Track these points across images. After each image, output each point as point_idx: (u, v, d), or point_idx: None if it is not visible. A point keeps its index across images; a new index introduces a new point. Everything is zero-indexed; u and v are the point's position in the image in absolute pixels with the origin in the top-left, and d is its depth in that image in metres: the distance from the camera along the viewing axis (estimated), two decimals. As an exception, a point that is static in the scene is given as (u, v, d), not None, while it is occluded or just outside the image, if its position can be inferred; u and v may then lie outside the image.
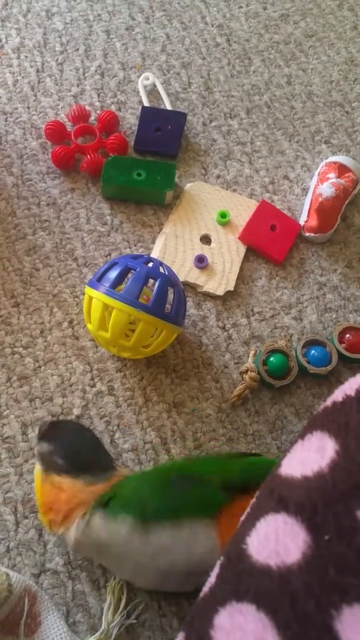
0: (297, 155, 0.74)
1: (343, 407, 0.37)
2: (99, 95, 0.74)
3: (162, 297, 0.53)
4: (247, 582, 0.31)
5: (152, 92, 0.75)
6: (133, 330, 0.54)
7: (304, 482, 0.33)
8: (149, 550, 0.43)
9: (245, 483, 0.46)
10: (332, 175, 0.68)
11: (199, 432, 0.59)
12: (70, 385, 0.60)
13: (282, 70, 0.79)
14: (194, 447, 0.58)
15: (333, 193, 0.65)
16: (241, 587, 0.31)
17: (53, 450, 0.48)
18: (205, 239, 0.68)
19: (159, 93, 0.75)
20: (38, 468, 0.49)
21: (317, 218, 0.67)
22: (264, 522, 0.33)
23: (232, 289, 0.65)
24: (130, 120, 0.73)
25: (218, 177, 0.72)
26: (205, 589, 0.35)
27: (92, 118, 0.72)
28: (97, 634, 0.48)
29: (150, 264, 0.55)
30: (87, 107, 0.72)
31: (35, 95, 0.73)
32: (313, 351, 0.62)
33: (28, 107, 0.72)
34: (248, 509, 0.36)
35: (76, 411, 0.58)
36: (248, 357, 0.63)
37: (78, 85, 0.74)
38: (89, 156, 0.68)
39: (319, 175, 0.70)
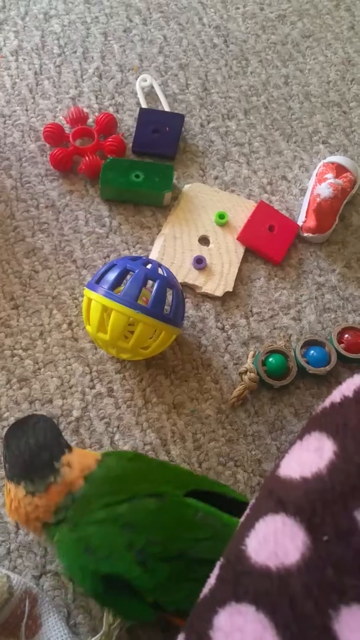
0: (295, 155, 0.74)
1: (341, 408, 0.37)
2: (96, 98, 0.74)
3: (161, 298, 0.53)
4: (246, 583, 0.31)
5: (149, 93, 0.75)
6: (132, 332, 0.54)
7: (303, 483, 0.33)
8: None
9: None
10: (330, 175, 0.68)
11: (199, 433, 0.59)
12: (70, 387, 0.60)
13: (280, 71, 0.79)
14: (193, 448, 0.59)
15: (331, 193, 0.66)
16: (240, 588, 0.31)
17: (4, 454, 0.47)
18: (204, 240, 0.68)
19: (156, 95, 0.75)
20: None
21: (315, 218, 0.67)
22: (262, 523, 0.33)
23: (230, 289, 0.65)
24: (128, 122, 0.73)
25: (216, 178, 0.72)
26: (205, 590, 0.35)
27: (90, 120, 0.72)
28: (98, 635, 0.48)
29: (149, 266, 0.55)
30: (85, 109, 0.72)
31: (34, 98, 0.73)
32: (312, 351, 0.62)
33: (26, 110, 0.72)
34: (247, 510, 0.36)
35: (76, 413, 0.59)
36: (247, 357, 0.63)
37: (76, 88, 0.74)
38: (87, 158, 0.68)
39: (316, 175, 0.70)
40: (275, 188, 0.72)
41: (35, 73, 0.75)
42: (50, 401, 0.59)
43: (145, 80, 0.75)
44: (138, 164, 0.68)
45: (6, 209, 0.67)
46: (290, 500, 0.33)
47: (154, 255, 0.66)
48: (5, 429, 0.51)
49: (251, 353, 0.62)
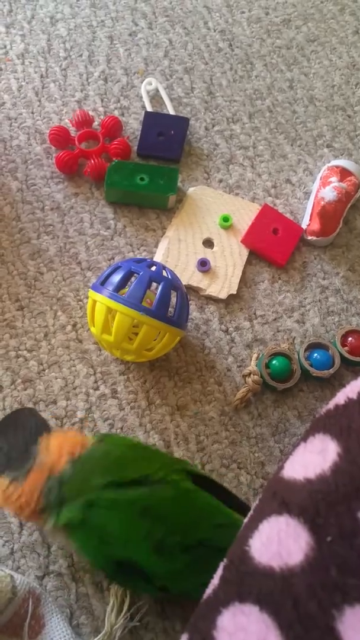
0: (300, 159, 0.74)
1: (345, 409, 0.37)
2: (102, 101, 0.75)
3: (165, 300, 0.54)
4: (250, 583, 0.31)
5: (155, 97, 0.76)
6: (136, 334, 0.54)
7: (307, 484, 0.34)
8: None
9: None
10: (334, 179, 0.69)
11: (202, 435, 0.59)
12: (74, 388, 0.60)
13: (284, 75, 0.80)
14: (196, 450, 0.59)
15: (335, 197, 0.66)
16: (244, 589, 0.31)
17: None
18: (208, 243, 0.68)
19: (161, 98, 0.75)
20: None
21: (320, 222, 0.67)
22: (266, 524, 0.33)
23: (234, 292, 0.65)
24: (133, 125, 0.74)
25: (220, 181, 0.72)
26: (209, 590, 0.35)
27: (96, 123, 0.73)
28: (100, 635, 0.48)
29: (154, 268, 0.55)
30: (91, 113, 0.72)
31: (40, 101, 0.74)
32: (316, 354, 0.62)
33: (32, 113, 0.73)
34: (251, 511, 0.36)
35: (80, 414, 0.59)
36: (251, 360, 0.63)
37: (82, 91, 0.75)
38: (92, 161, 0.68)
39: (321, 179, 0.70)
40: (280, 191, 0.72)
41: (42, 76, 0.75)
42: (55, 402, 0.59)
43: (151, 84, 0.75)
44: (143, 166, 0.68)
45: (12, 211, 0.67)
46: (294, 501, 0.33)
47: (158, 257, 0.66)
48: None
49: (255, 355, 0.62)
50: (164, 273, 0.56)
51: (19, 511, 0.45)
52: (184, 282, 0.64)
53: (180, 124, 0.72)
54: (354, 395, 0.38)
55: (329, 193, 0.66)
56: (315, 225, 0.67)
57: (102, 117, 0.73)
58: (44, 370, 0.60)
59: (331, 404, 0.39)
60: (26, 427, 0.47)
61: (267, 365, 0.61)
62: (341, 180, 0.69)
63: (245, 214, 0.69)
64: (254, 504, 0.37)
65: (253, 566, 0.32)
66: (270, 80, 0.79)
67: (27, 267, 0.65)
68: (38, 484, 0.44)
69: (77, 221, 0.68)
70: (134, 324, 0.53)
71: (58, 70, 0.76)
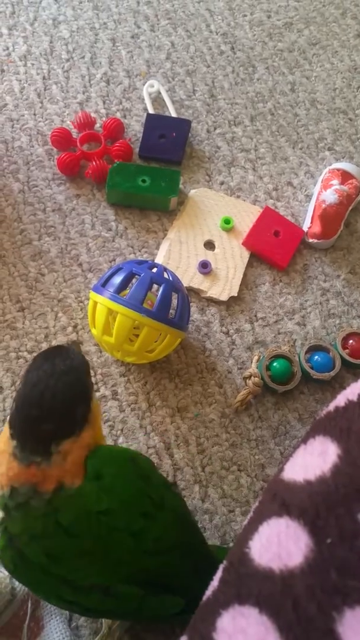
0: (301, 162, 0.74)
1: (345, 412, 0.37)
2: (104, 103, 0.75)
3: (166, 302, 0.54)
4: (250, 585, 0.31)
5: (157, 99, 0.76)
6: (137, 335, 0.54)
7: (307, 486, 0.34)
8: None
9: None
10: (335, 182, 0.69)
11: (202, 437, 0.59)
12: (75, 390, 0.60)
13: (286, 78, 0.80)
14: (197, 452, 0.59)
15: (336, 200, 0.66)
16: (244, 590, 0.31)
17: (18, 388, 0.38)
18: (209, 245, 0.68)
19: (163, 100, 0.75)
20: None
21: (321, 224, 0.67)
22: (266, 526, 0.33)
23: (235, 294, 0.65)
24: (135, 128, 0.74)
25: (222, 183, 0.72)
26: (208, 592, 0.35)
27: (98, 125, 0.73)
28: (98, 636, 0.48)
29: (155, 270, 0.56)
30: (93, 114, 0.72)
31: (42, 103, 0.74)
32: (316, 357, 0.62)
33: (34, 114, 0.73)
34: (251, 513, 0.36)
35: (80, 415, 0.59)
36: (251, 362, 0.63)
37: (84, 93, 0.75)
38: (94, 163, 0.68)
39: (322, 182, 0.71)
40: (281, 194, 0.72)
41: (44, 78, 0.75)
42: (55, 403, 0.59)
43: (153, 86, 0.75)
44: (145, 168, 0.68)
45: (13, 212, 0.67)
46: (294, 503, 0.33)
47: (159, 259, 0.66)
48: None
49: (255, 358, 0.62)
50: (165, 275, 0.56)
51: None
52: (184, 284, 0.64)
53: (182, 126, 0.73)
54: (354, 398, 0.38)
55: (330, 196, 0.66)
56: (317, 228, 0.68)
57: (104, 119, 0.73)
58: (44, 371, 0.60)
59: (331, 406, 0.39)
60: (62, 407, 0.37)
61: (268, 368, 0.61)
62: (342, 183, 0.69)
63: (246, 216, 0.69)
64: (254, 506, 0.37)
65: (253, 568, 0.32)
66: (272, 83, 0.79)
67: (28, 269, 0.65)
68: (20, 480, 0.37)
69: (78, 223, 0.68)
70: (135, 325, 0.53)
71: (60, 72, 0.76)
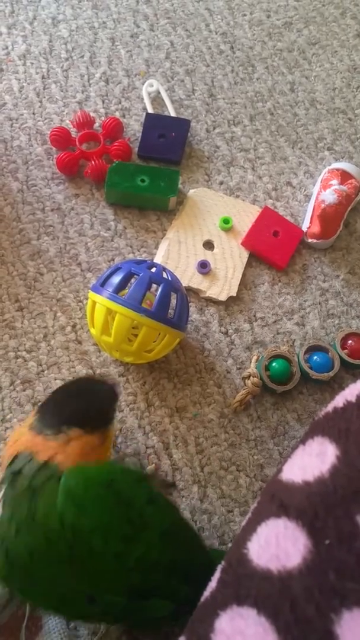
0: (300, 161, 0.74)
1: (344, 412, 0.37)
2: (103, 102, 0.75)
3: (165, 302, 0.54)
4: (248, 586, 0.31)
5: (156, 99, 0.76)
6: (136, 335, 0.54)
7: (305, 487, 0.34)
8: None
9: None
10: (334, 182, 0.69)
11: (201, 437, 0.59)
12: (73, 390, 0.60)
13: (286, 78, 0.80)
14: (196, 452, 0.59)
15: (335, 200, 0.66)
16: (242, 591, 0.31)
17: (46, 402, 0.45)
18: (208, 245, 0.68)
19: (163, 100, 0.75)
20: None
21: (320, 224, 0.67)
22: (264, 527, 0.33)
23: (234, 294, 0.65)
24: (134, 127, 0.74)
25: (221, 183, 0.72)
26: (206, 593, 0.35)
27: (97, 124, 0.73)
28: (97, 636, 0.48)
29: (154, 269, 0.55)
30: (92, 114, 0.72)
31: (41, 102, 0.74)
32: (315, 357, 0.62)
33: (33, 114, 0.73)
34: (249, 514, 0.36)
35: (79, 415, 0.59)
36: (250, 362, 0.63)
37: (83, 92, 0.75)
38: (93, 162, 0.68)
39: (321, 181, 0.70)
40: (280, 194, 0.72)
41: (43, 77, 0.75)
42: (54, 403, 0.59)
43: (152, 86, 0.75)
44: (144, 168, 0.68)
45: (12, 211, 0.67)
46: (293, 504, 0.33)
47: (158, 259, 0.66)
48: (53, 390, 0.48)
49: (254, 358, 0.62)
50: (164, 274, 0.56)
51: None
52: (184, 284, 0.64)
53: (181, 125, 0.73)
54: (352, 399, 0.38)
55: (330, 196, 0.66)
56: (316, 228, 0.67)
57: (103, 118, 0.73)
58: (43, 371, 0.60)
59: (330, 407, 0.39)
60: (82, 404, 0.44)
61: (267, 368, 0.61)
62: (342, 183, 0.69)
63: (245, 216, 0.69)
64: (252, 507, 0.37)
65: (251, 569, 0.32)
66: (271, 82, 0.79)
67: (27, 268, 0.65)
68: (30, 446, 0.41)
69: (77, 222, 0.68)
70: (134, 325, 0.53)
71: (59, 72, 0.76)
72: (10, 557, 0.39)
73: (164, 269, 0.56)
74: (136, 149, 0.72)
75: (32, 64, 0.76)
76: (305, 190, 0.73)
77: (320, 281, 0.68)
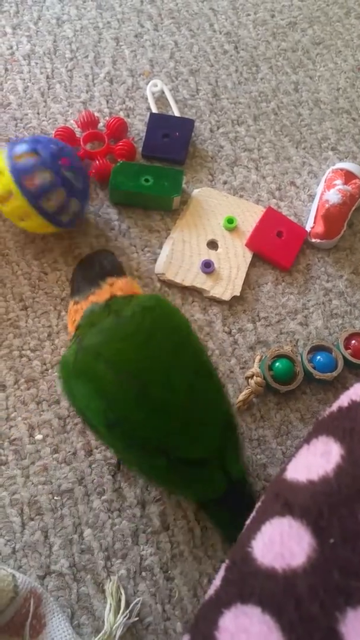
0: (304, 161, 0.74)
1: (349, 412, 0.38)
2: (107, 102, 0.75)
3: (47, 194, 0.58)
4: (252, 584, 0.31)
5: (160, 98, 0.76)
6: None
7: (310, 486, 0.34)
8: None
9: None
10: (338, 182, 0.69)
11: (205, 436, 0.59)
12: (77, 389, 0.60)
13: (290, 78, 0.80)
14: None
15: (339, 199, 0.66)
16: (246, 590, 0.31)
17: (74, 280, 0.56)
18: (212, 244, 0.68)
19: (167, 100, 0.75)
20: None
21: (324, 224, 0.67)
22: (269, 526, 0.33)
23: (238, 294, 0.65)
24: (138, 127, 0.74)
25: (225, 183, 0.72)
26: (210, 591, 0.35)
27: (101, 124, 0.73)
28: (100, 635, 0.48)
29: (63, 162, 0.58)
30: (96, 114, 0.72)
31: (45, 102, 0.74)
32: (319, 357, 0.62)
33: (38, 113, 0.73)
34: (253, 513, 0.36)
35: (83, 414, 0.59)
36: (254, 362, 0.63)
37: (87, 92, 0.75)
38: (97, 162, 0.68)
39: (325, 181, 0.71)
40: (284, 194, 0.72)
41: (47, 77, 0.76)
42: (58, 402, 0.59)
43: (156, 86, 0.75)
44: (148, 168, 0.68)
45: (17, 210, 0.67)
46: (297, 502, 0.33)
47: (162, 258, 0.66)
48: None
49: (258, 357, 0.62)
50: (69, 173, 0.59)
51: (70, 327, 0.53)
52: (187, 284, 0.64)
53: (185, 125, 0.73)
54: (357, 398, 0.38)
55: (334, 196, 0.66)
56: (320, 228, 0.68)
57: (107, 118, 0.74)
58: (47, 370, 0.60)
59: (334, 407, 0.40)
60: (102, 266, 0.55)
61: (270, 368, 0.61)
62: (346, 183, 0.69)
63: (249, 216, 0.69)
64: (256, 506, 0.37)
65: (255, 567, 0.32)
66: (275, 82, 0.79)
67: (32, 267, 0.65)
68: (85, 307, 0.51)
69: (81, 221, 0.68)
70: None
71: (64, 71, 0.76)
72: (84, 371, 0.47)
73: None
74: (140, 149, 0.72)
75: (36, 63, 0.76)
76: (309, 190, 0.73)
77: (323, 281, 0.68)
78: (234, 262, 0.67)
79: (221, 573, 0.35)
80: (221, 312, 0.65)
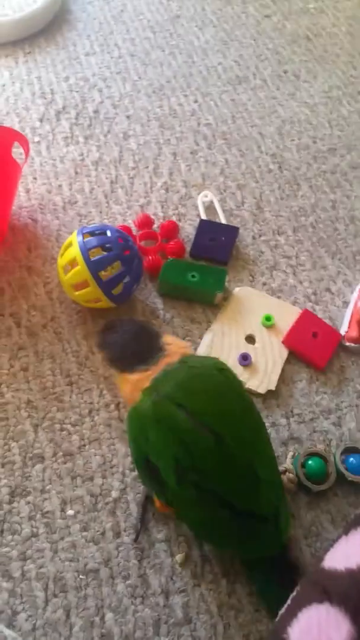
0: (339, 271, 0.79)
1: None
2: (162, 207, 0.83)
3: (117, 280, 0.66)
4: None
5: (209, 207, 0.84)
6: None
7: (348, 574, 0.34)
8: None
9: None
10: (373, 291, 0.73)
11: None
12: (111, 467, 0.61)
13: (328, 196, 0.87)
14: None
15: (374, 307, 0.69)
16: None
17: (109, 357, 0.57)
18: (250, 339, 0.72)
19: (215, 209, 0.83)
20: (115, 373, 0.57)
21: (358, 329, 0.70)
22: (306, 612, 0.33)
23: (273, 388, 0.68)
24: (188, 230, 0.81)
25: (264, 284, 0.77)
26: None
27: (155, 225, 0.80)
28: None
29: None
30: (152, 216, 0.80)
31: (108, 203, 0.82)
32: (352, 459, 0.63)
33: (100, 212, 0.81)
34: (288, 601, 0.36)
35: (114, 494, 0.59)
36: (286, 458, 0.63)
37: (145, 197, 0.84)
38: (150, 257, 0.75)
39: (359, 290, 0.75)
40: (320, 298, 0.77)
41: (112, 182, 0.85)
42: (91, 479, 0.60)
43: (206, 196, 0.84)
44: (195, 266, 0.74)
45: (71, 294, 0.73)
46: (336, 590, 0.33)
47: (202, 348, 0.70)
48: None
49: (291, 454, 0.63)
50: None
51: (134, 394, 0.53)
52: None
53: (231, 232, 0.79)
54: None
55: (368, 303, 0.70)
56: (354, 333, 0.71)
57: (161, 220, 0.81)
58: (84, 445, 0.62)
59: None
60: (150, 331, 0.57)
61: (303, 465, 0.62)
62: (379, 292, 0.73)
63: (286, 315, 0.73)
64: (291, 596, 0.37)
65: (291, 656, 0.32)
66: (314, 200, 0.87)
67: (81, 346, 0.69)
68: (158, 370, 0.52)
69: (129, 309, 0.73)
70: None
71: (126, 178, 0.85)
72: (156, 414, 0.50)
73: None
74: (189, 249, 0.78)
75: (103, 169, 0.86)
76: (343, 297, 0.77)
77: (357, 384, 0.70)
78: (270, 357, 0.70)
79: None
80: (256, 405, 0.67)
